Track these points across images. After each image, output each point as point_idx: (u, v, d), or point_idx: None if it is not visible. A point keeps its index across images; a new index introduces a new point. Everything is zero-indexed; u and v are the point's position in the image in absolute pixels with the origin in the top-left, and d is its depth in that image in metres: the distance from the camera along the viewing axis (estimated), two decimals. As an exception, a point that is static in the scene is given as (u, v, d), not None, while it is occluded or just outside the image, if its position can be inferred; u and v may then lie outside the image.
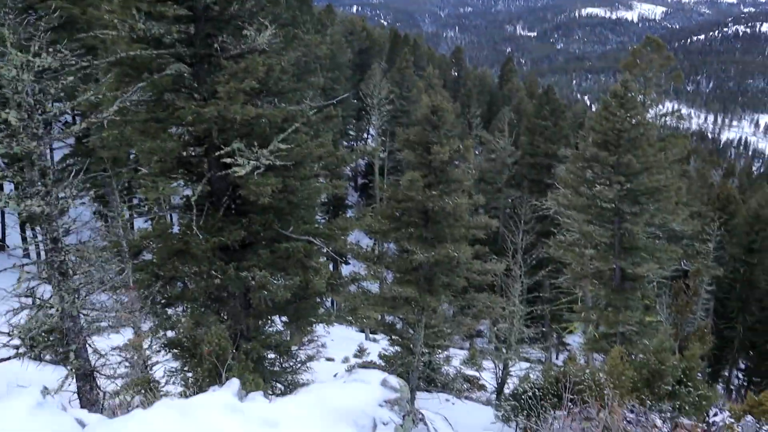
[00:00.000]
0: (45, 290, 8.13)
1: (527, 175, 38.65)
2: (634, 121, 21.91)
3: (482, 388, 17.26)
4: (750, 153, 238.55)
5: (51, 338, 7.99)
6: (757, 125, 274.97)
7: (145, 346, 9.30)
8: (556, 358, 35.87)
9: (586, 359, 25.13)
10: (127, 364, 8.26)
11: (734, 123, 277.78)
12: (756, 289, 40.49)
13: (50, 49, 7.46)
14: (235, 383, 6.69)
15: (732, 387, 42.25)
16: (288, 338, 10.97)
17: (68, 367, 8.04)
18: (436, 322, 13.93)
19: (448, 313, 14.45)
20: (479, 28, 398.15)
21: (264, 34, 9.30)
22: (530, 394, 13.65)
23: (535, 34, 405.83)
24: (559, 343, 38.05)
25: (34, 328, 7.74)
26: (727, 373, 42.13)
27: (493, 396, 16.63)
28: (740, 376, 43.23)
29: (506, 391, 15.99)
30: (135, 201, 27.44)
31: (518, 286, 15.48)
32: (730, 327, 39.81)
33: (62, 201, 7.62)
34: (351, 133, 52.05)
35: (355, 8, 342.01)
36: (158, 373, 9.71)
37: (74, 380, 8.36)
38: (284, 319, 11.42)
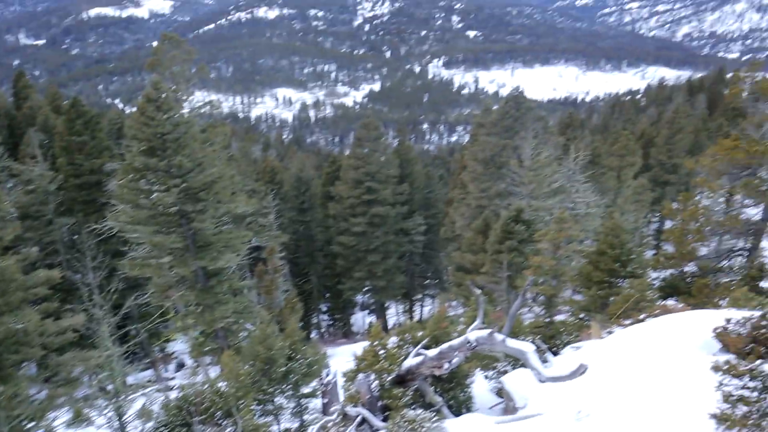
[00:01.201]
0: None
1: (77, 197, 35.15)
2: (174, 120, 21.92)
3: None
4: (278, 124, 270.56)
5: None
6: (276, 98, 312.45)
7: None
8: (166, 371, 34.95)
9: (198, 363, 25.09)
10: None
11: (258, 100, 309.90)
12: (315, 241, 46.69)
13: None
14: None
15: (322, 330, 48.43)
16: None
17: None
18: (22, 409, 11.65)
19: (34, 391, 12.24)
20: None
21: None
22: (156, 435, 12.83)
23: (44, 41, 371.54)
24: (164, 356, 37.02)
25: None
26: (315, 320, 47.89)
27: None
28: (325, 317, 49.81)
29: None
30: None
31: (106, 328, 14.08)
32: (307, 280, 45.16)
33: None
34: None
35: None
36: None
37: None
38: None
